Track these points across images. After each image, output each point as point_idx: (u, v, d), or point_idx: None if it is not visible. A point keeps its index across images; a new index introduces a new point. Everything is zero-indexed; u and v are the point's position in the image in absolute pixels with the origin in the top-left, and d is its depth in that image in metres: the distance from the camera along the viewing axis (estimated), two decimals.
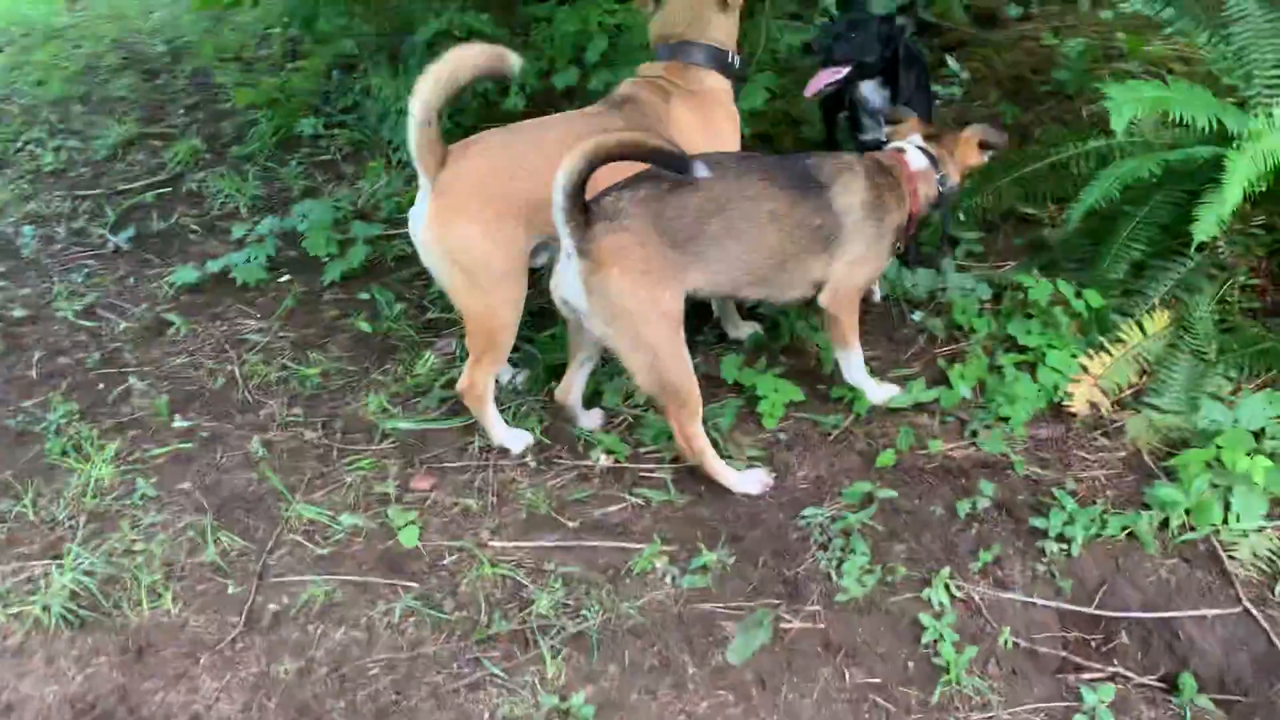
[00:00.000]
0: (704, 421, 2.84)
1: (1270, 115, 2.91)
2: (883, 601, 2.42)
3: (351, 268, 4.08)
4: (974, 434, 2.91)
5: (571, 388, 3.05)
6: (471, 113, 4.20)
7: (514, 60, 2.78)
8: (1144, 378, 3.00)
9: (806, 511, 2.71)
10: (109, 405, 3.55)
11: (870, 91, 3.50)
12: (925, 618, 2.34)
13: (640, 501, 2.83)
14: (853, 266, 2.85)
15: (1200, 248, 3.01)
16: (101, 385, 3.67)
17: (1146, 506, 2.59)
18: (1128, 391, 2.99)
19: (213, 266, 4.18)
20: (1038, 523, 2.56)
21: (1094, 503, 2.62)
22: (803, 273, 2.84)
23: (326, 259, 4.13)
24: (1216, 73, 3.66)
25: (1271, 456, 2.54)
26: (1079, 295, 3.09)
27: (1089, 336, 3.09)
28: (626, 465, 2.97)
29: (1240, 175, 2.76)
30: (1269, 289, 3.14)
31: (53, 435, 3.38)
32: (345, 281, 4.08)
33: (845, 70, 3.38)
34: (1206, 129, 2.95)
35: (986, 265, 3.59)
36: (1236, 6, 3.12)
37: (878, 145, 3.23)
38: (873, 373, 3.15)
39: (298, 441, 3.27)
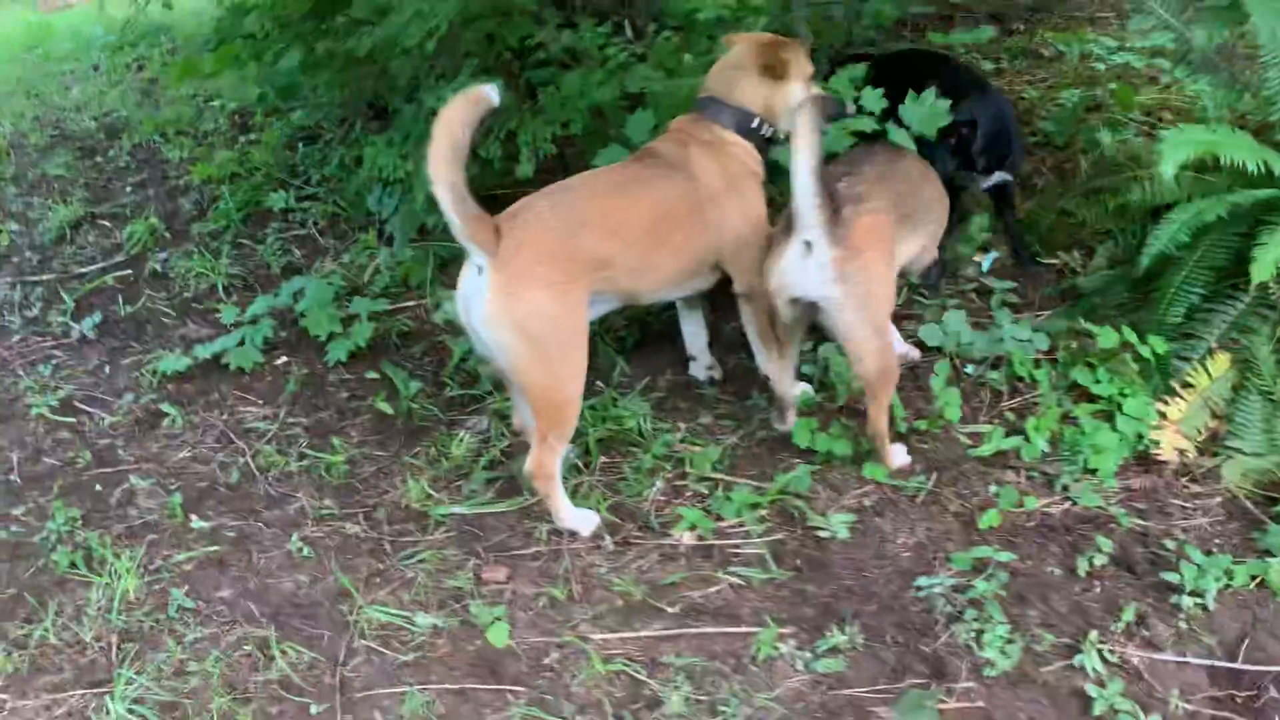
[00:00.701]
0: (783, 491, 2.83)
1: None
2: (1035, 673, 2.29)
3: (358, 346, 3.82)
4: (1065, 488, 2.82)
5: None
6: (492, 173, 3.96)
7: (490, 92, 2.64)
8: (1218, 422, 2.96)
9: (920, 581, 2.57)
10: (113, 509, 3.24)
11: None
12: (1090, 688, 2.21)
13: (739, 581, 2.66)
14: None
15: (1263, 288, 3.04)
16: (99, 487, 3.35)
17: (1267, 553, 2.52)
18: (1204, 436, 2.94)
19: (202, 352, 3.87)
20: (1169, 577, 2.47)
21: (1210, 552, 2.54)
22: None
23: (328, 338, 3.87)
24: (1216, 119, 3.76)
25: None
26: (1144, 341, 3.04)
27: (1152, 383, 3.05)
28: (713, 541, 2.80)
29: None
30: None
31: (56, 546, 3.05)
32: (350, 362, 3.82)
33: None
34: (1257, 172, 2.98)
35: (1026, 315, 3.53)
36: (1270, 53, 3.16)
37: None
38: (913, 430, 3.08)
39: (341, 536, 3.01)
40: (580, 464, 3.11)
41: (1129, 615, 2.38)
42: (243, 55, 4.63)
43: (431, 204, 2.82)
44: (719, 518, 2.86)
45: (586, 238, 2.79)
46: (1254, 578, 2.46)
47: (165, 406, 3.68)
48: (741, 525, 2.83)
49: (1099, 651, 2.29)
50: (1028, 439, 2.97)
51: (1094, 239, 3.74)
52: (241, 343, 3.90)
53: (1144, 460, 2.88)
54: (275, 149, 5.40)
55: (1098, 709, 2.18)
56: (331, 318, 3.90)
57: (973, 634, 2.38)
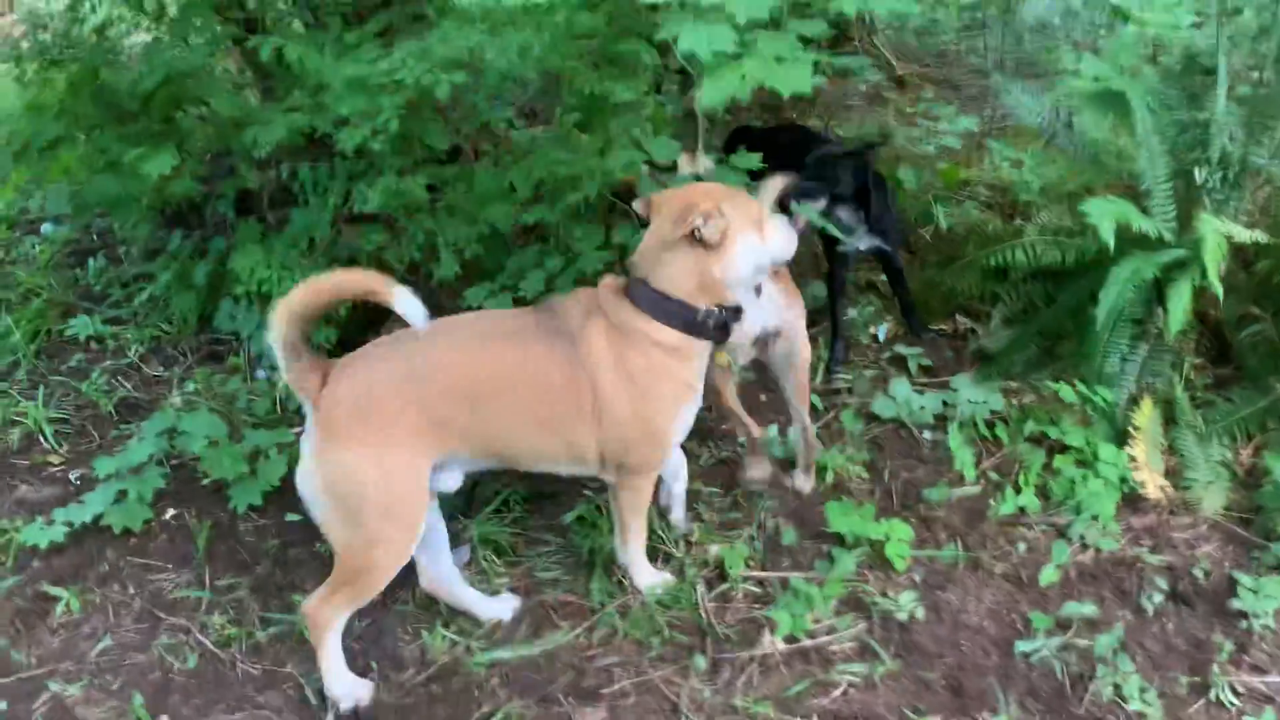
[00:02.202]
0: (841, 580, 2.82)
1: (1207, 220, 3.33)
2: (1186, 715, 2.36)
3: (272, 486, 3.27)
4: (1082, 537, 2.96)
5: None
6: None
7: (396, 293, 2.39)
8: (1167, 458, 3.25)
9: (1022, 647, 2.58)
10: None
11: (845, 215, 3.55)
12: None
13: (856, 678, 2.53)
14: None
15: (1159, 337, 3.40)
16: (8, 704, 2.59)
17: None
18: (1164, 472, 3.21)
19: (77, 515, 3.13)
20: (1234, 604, 2.65)
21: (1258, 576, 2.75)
22: None
23: (233, 481, 3.27)
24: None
25: None
26: (1093, 392, 3.29)
27: (1104, 430, 3.30)
28: (805, 642, 2.65)
29: (1210, 267, 3.13)
30: (1208, 366, 3.57)
31: None
32: (262, 505, 3.26)
33: (823, 201, 3.43)
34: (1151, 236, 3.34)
35: (940, 379, 3.70)
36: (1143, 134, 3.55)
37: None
38: (921, 500, 3.14)
39: (378, 708, 2.52)
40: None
41: (1228, 646, 2.53)
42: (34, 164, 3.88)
43: None
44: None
45: (423, 396, 2.45)
46: None
47: (48, 589, 2.94)
48: (818, 620, 2.71)
49: (1230, 685, 2.41)
50: (1019, 492, 3.10)
51: (972, 305, 4.00)
52: (120, 497, 3.20)
53: (1132, 501, 3.08)
54: (50, 268, 4.54)
55: None
56: (235, 456, 3.30)
57: (1111, 689, 2.42)
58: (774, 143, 3.82)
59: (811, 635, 2.67)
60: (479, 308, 3.33)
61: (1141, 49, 5.08)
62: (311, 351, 2.45)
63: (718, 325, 2.57)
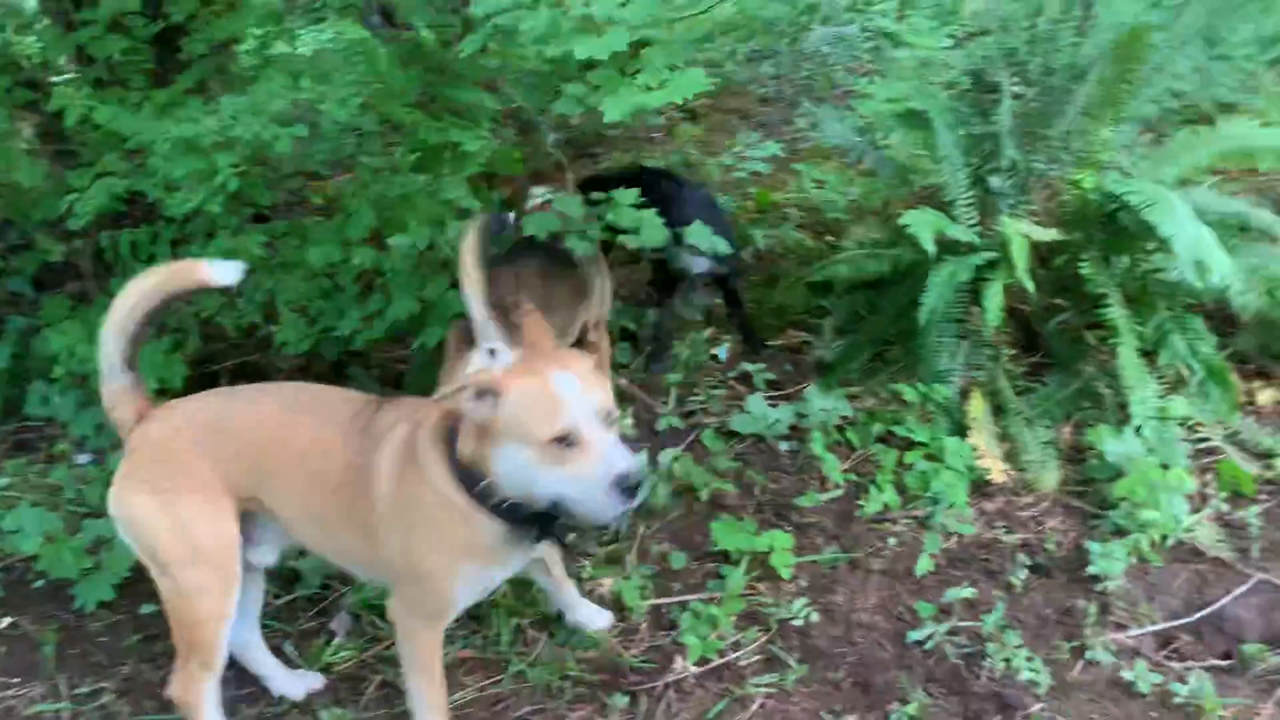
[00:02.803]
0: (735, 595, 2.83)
1: (1007, 222, 3.61)
2: (1074, 678, 2.54)
3: (123, 578, 3.01)
4: (944, 524, 3.13)
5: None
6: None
7: (209, 271, 2.36)
8: (1004, 444, 3.49)
9: (913, 636, 2.71)
10: None
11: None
12: (1125, 674, 2.52)
13: (771, 689, 2.58)
14: None
15: (978, 333, 3.67)
16: None
17: (1119, 532, 3.03)
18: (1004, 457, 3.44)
19: None
20: (1089, 570, 2.87)
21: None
22: None
23: (78, 578, 2.99)
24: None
25: (1165, 466, 3.16)
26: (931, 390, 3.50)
27: (946, 424, 3.51)
28: (716, 661, 2.67)
29: (1019, 265, 3.41)
30: (1022, 356, 3.86)
31: None
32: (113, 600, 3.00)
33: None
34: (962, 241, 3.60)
35: (786, 391, 3.84)
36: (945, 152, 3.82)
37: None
38: (793, 508, 3.25)
39: None
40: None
41: (1093, 609, 2.73)
42: None
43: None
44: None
45: (220, 452, 2.36)
46: (1130, 552, 2.94)
47: None
48: (724, 638, 2.74)
49: (1103, 644, 2.61)
50: (881, 490, 3.26)
51: (803, 319, 4.18)
52: None
53: (980, 487, 3.29)
54: None
55: (1141, 687, 2.49)
56: (75, 551, 3.03)
57: (1003, 664, 2.57)
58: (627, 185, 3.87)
59: (720, 654, 2.70)
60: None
61: (919, 70, 5.50)
62: (136, 377, 2.39)
63: (500, 510, 2.14)
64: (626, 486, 2.00)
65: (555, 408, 2.02)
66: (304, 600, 2.98)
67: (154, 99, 3.30)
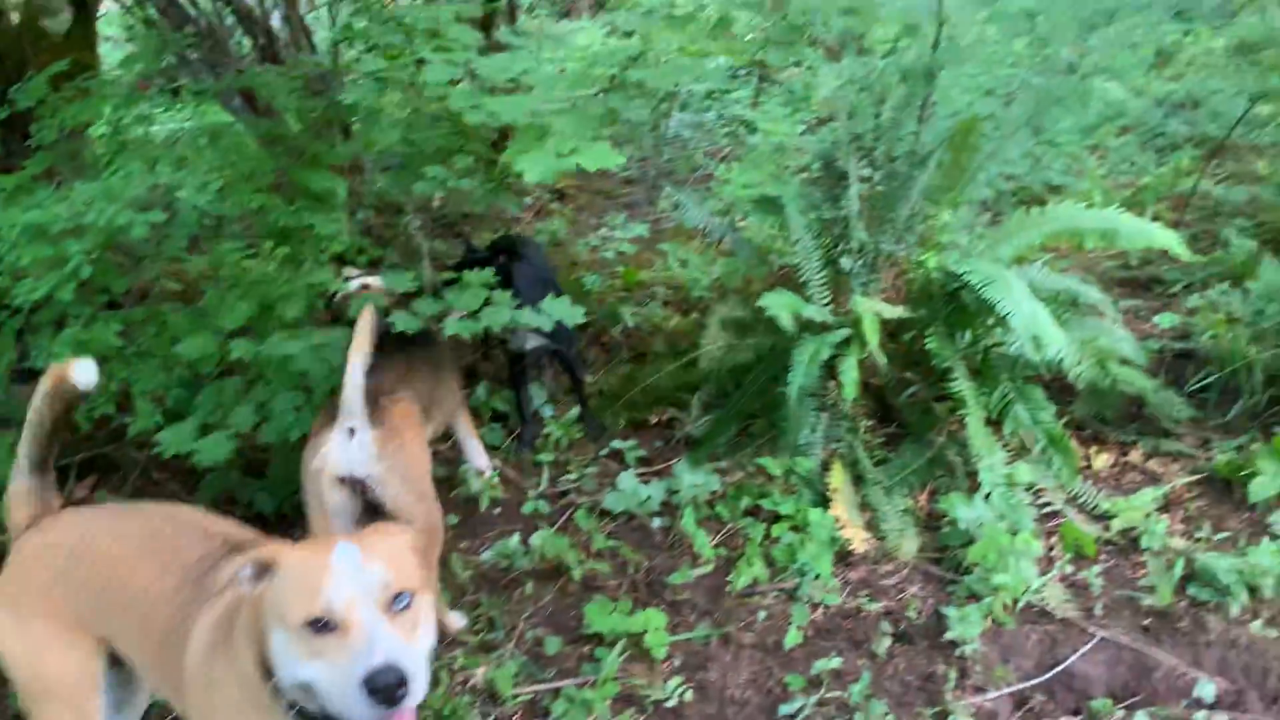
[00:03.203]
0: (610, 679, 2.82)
1: (858, 301, 3.77)
2: None
3: None
4: (810, 596, 3.20)
5: None
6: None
7: (79, 372, 2.23)
8: (864, 513, 3.60)
9: (784, 710, 2.74)
10: None
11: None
12: None
13: None
14: None
15: (836, 407, 3.80)
16: None
17: (973, 597, 3.15)
18: (865, 525, 3.55)
19: None
20: (947, 635, 2.96)
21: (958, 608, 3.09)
22: None
23: None
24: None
25: (1014, 531, 3.31)
26: (794, 464, 3.59)
27: (810, 496, 3.60)
28: None
29: (871, 341, 3.57)
30: (878, 427, 4.00)
31: None
32: None
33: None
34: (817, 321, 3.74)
35: (656, 468, 3.88)
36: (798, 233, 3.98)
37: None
38: (666, 585, 3.27)
39: None
40: None
41: (952, 674, 2.82)
42: None
43: None
44: None
45: (70, 576, 2.18)
46: (985, 616, 3.06)
47: None
48: None
49: (963, 708, 2.69)
50: (750, 564, 3.31)
51: (672, 395, 4.25)
52: None
53: (843, 556, 3.38)
54: None
55: None
56: None
57: None
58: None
59: None
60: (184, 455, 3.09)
61: (774, 156, 5.72)
62: (42, 480, 2.28)
63: (298, 711, 1.80)
64: (380, 688, 1.61)
65: (317, 585, 1.68)
66: None
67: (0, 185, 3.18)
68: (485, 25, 5.79)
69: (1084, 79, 6.52)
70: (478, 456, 3.78)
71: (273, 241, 3.49)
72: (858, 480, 3.69)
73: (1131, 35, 7.74)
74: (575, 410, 4.16)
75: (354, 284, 3.49)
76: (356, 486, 2.76)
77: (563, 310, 3.43)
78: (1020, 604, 3.10)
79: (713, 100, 6.63)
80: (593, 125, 2.66)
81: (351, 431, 2.73)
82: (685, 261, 4.92)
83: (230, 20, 5.15)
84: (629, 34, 4.71)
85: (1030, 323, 3.40)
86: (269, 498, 3.50)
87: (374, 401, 2.79)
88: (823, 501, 3.55)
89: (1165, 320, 4.30)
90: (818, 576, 3.27)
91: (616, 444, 3.96)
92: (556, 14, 10.30)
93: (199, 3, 4.99)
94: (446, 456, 3.86)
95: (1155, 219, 5.30)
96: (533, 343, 3.81)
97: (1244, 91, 6.40)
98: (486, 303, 3.30)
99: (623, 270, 4.90)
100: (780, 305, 3.58)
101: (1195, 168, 5.73)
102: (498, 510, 3.67)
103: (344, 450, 2.74)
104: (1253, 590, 3.04)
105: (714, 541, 3.46)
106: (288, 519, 3.38)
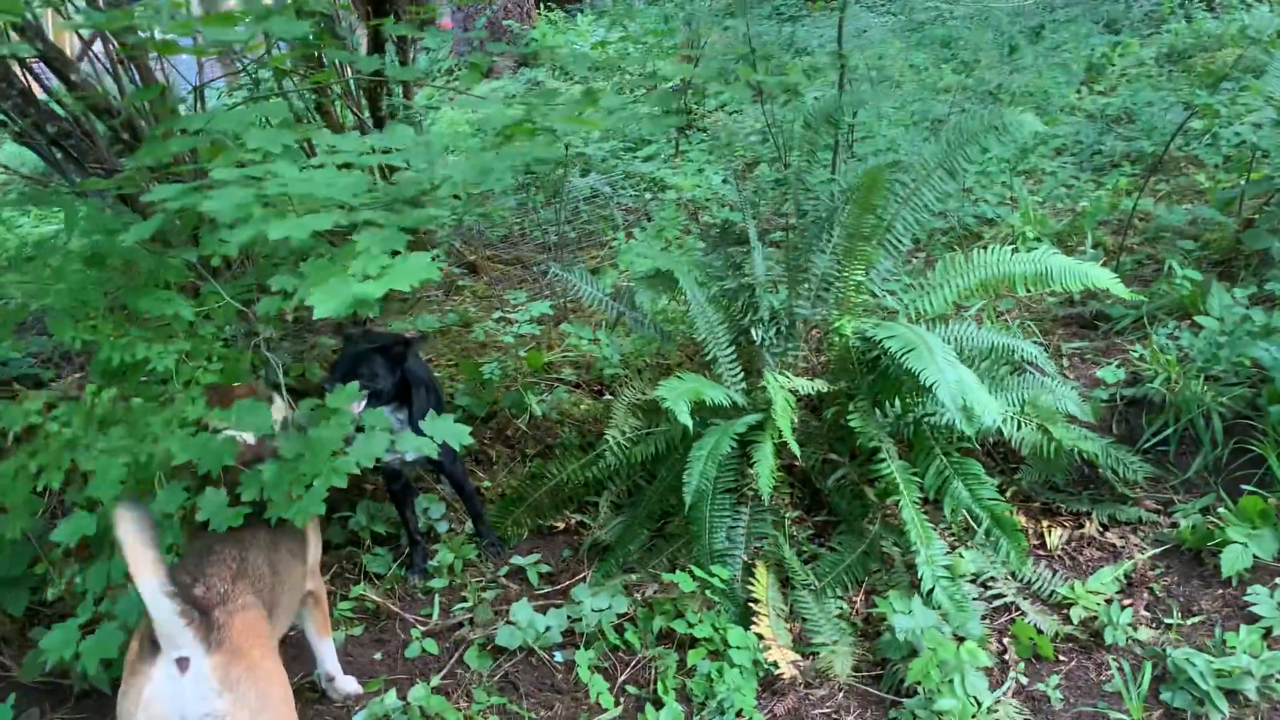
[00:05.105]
0: None
1: (770, 378, 3.33)
2: None
3: None
4: None
5: None
6: None
7: None
8: (793, 624, 3.13)
9: None
10: None
11: (388, 416, 3.14)
12: None
13: None
14: None
15: (757, 499, 3.33)
16: None
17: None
18: (793, 641, 3.07)
19: None
20: None
21: None
22: None
23: None
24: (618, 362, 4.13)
25: (960, 638, 2.85)
26: (710, 574, 3.12)
27: (729, 610, 3.13)
28: None
29: (783, 426, 3.11)
30: (805, 517, 3.54)
31: None
32: None
33: (362, 403, 3.04)
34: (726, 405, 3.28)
35: (563, 585, 3.40)
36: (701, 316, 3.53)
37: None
38: None
39: None
40: None
41: None
42: None
43: None
44: None
45: None
46: None
47: None
48: None
49: None
50: (660, 706, 2.83)
51: (579, 494, 3.77)
52: None
53: (769, 684, 2.91)
54: None
55: None
56: None
57: None
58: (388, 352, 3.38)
59: None
60: None
61: (682, 215, 5.30)
62: None
63: None
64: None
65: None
66: None
67: None
68: (373, 97, 5.37)
69: (1010, 104, 6.17)
70: (332, 665, 2.97)
71: (96, 386, 2.99)
72: (785, 582, 3.23)
73: (1060, 52, 7.44)
74: (470, 525, 3.67)
75: None
76: None
77: (447, 430, 2.94)
78: None
79: (617, 160, 6.22)
80: (402, 239, 2.20)
81: (181, 662, 2.13)
82: (596, 339, 4.47)
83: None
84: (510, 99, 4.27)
85: (958, 392, 2.95)
86: None
87: (205, 615, 2.17)
88: (744, 617, 3.08)
89: (1110, 376, 3.85)
90: (740, 712, 2.79)
91: (518, 560, 3.48)
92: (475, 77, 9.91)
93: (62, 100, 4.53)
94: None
95: (1096, 245, 4.94)
96: (411, 457, 3.30)
97: (1178, 102, 6.06)
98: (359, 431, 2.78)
99: (527, 354, 4.43)
100: (678, 395, 3.11)
101: (1134, 186, 5.35)
102: (379, 655, 3.17)
103: (175, 691, 2.12)
104: (1233, 695, 2.58)
105: (623, 677, 2.97)
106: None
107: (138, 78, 4.64)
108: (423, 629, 3.24)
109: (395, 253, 2.26)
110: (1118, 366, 3.91)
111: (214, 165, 2.51)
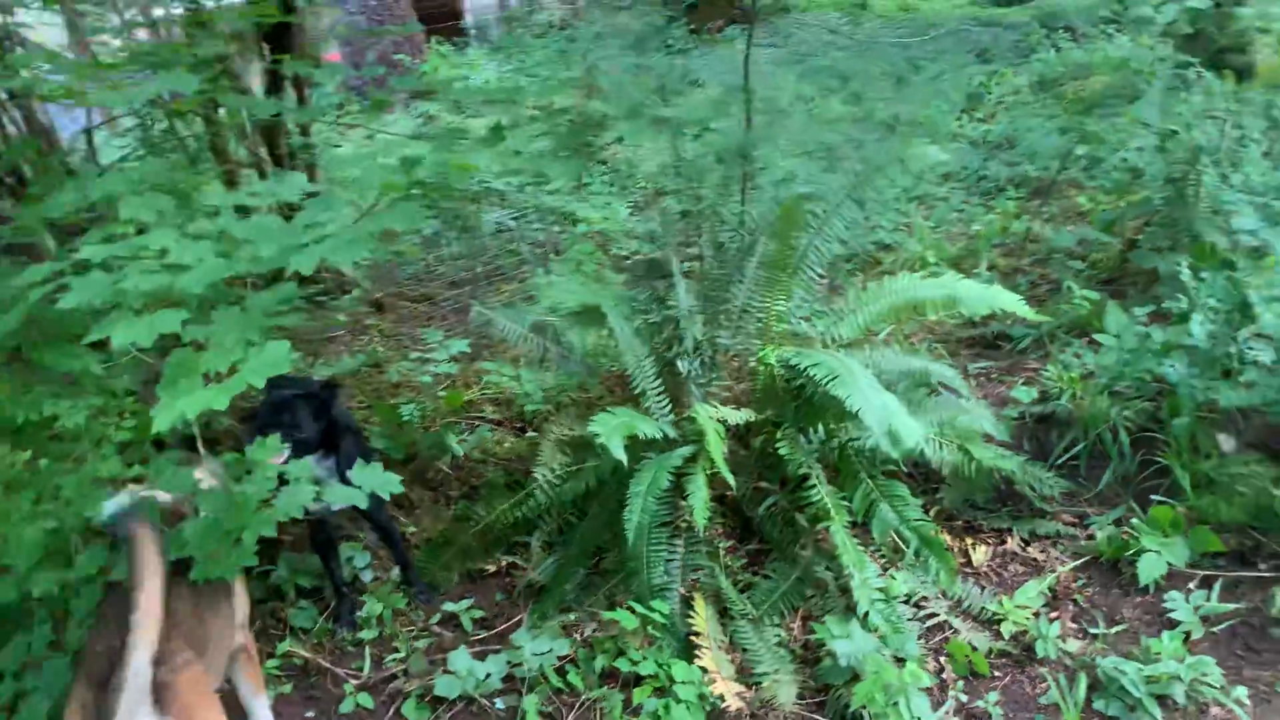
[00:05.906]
0: None
1: (699, 409, 3.31)
2: None
3: None
4: None
5: None
6: None
7: None
8: (735, 654, 3.11)
9: None
10: None
11: (314, 465, 3.00)
12: None
13: None
14: None
15: (690, 530, 3.31)
16: None
17: None
18: (735, 672, 3.05)
19: None
20: None
21: None
22: None
23: None
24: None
25: (900, 660, 2.87)
26: (650, 610, 3.08)
27: (670, 646, 3.09)
28: None
29: (716, 456, 3.11)
30: (739, 546, 3.53)
31: None
32: None
33: (286, 453, 2.91)
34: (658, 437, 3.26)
35: (499, 629, 3.32)
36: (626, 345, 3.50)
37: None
38: None
39: None
40: None
41: None
42: None
43: None
44: None
45: None
46: None
47: None
48: None
49: None
50: None
51: (510, 535, 3.68)
52: None
53: (716, 716, 2.88)
54: None
55: None
56: None
57: None
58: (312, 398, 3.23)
59: None
60: None
61: (593, 248, 5.28)
62: None
63: None
64: None
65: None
66: None
67: None
68: (270, 137, 5.21)
69: (903, 134, 6.35)
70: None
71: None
72: (724, 613, 3.22)
73: (939, 82, 7.71)
74: (397, 571, 3.55)
75: (110, 506, 2.42)
76: None
77: (377, 480, 2.83)
78: None
79: (520, 193, 6.18)
80: (258, 325, 2.10)
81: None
82: (517, 375, 4.40)
83: None
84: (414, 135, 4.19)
85: (883, 416, 2.98)
86: None
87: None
88: (687, 650, 3.05)
89: (1024, 395, 3.96)
90: None
91: (450, 606, 3.38)
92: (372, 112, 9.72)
93: None
94: None
95: (991, 268, 5.11)
96: (338, 507, 3.16)
97: (1054, 129, 6.33)
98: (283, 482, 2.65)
99: (444, 394, 4.33)
100: (611, 429, 3.07)
101: (1021, 209, 5.56)
102: (311, 713, 3.03)
103: None
104: (1163, 700, 2.67)
105: None
106: None
107: (20, 121, 4.41)
108: (355, 683, 3.12)
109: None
110: (1025, 384, 4.03)
111: (84, 241, 2.39)
